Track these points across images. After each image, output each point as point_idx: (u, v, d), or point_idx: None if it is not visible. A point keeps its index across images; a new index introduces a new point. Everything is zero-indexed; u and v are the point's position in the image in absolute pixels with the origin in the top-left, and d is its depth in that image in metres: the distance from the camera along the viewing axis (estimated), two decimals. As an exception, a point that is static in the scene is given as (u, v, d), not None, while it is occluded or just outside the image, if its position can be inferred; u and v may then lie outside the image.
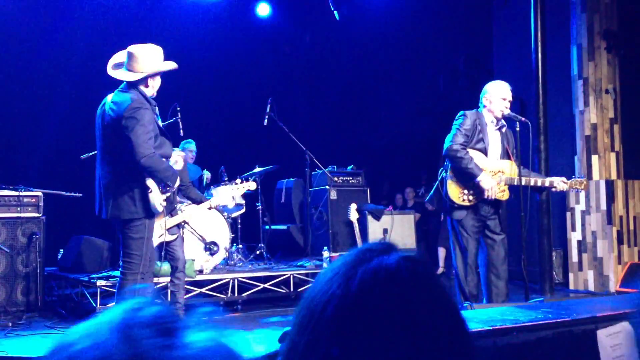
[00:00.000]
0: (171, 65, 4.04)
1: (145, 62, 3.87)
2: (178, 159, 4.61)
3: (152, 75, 3.93)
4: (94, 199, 4.27)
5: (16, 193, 5.90)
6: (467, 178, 4.66)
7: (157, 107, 4.08)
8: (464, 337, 0.71)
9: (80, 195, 6.13)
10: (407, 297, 0.69)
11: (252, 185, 6.08)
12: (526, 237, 4.81)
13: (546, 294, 6.28)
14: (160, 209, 3.98)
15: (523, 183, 4.69)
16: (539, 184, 4.82)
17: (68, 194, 6.16)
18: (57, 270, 6.89)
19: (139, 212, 3.90)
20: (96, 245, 6.73)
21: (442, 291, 0.73)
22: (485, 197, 4.63)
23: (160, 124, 4.11)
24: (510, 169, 4.78)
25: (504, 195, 4.76)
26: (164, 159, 3.91)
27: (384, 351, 0.66)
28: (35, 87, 8.03)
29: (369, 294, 0.69)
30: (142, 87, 3.93)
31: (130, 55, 3.91)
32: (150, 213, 3.94)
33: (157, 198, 3.92)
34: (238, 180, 6.31)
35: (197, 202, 5.65)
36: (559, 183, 4.79)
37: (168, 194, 4.04)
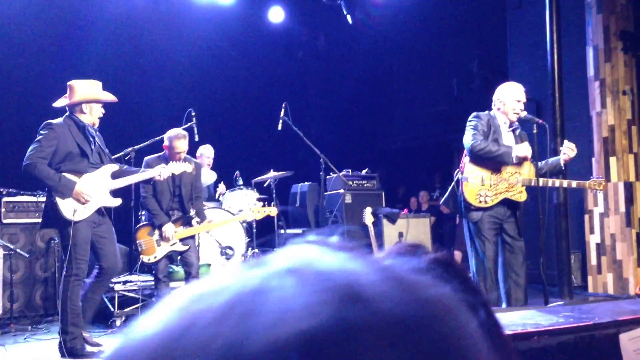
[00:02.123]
0: (106, 96, 4.57)
1: (78, 91, 4.49)
2: (187, 167, 5.04)
3: (86, 103, 4.48)
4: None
5: (34, 199, 5.96)
6: (503, 163, 4.64)
7: (91, 129, 4.53)
8: (502, 342, 0.69)
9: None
10: None
11: (273, 212, 6.06)
12: (544, 240, 4.77)
13: (565, 297, 6.22)
14: (70, 215, 4.32)
15: (541, 184, 4.66)
16: (557, 185, 4.80)
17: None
18: (75, 275, 6.93)
19: (54, 220, 4.35)
20: (113, 250, 6.76)
21: (476, 297, 0.71)
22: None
23: (91, 147, 4.53)
24: (527, 170, 4.75)
25: (522, 197, 4.73)
26: (54, 172, 4.33)
27: None
28: (53, 93, 8.10)
29: None
30: (77, 114, 4.49)
31: (68, 87, 4.56)
32: (64, 221, 4.30)
33: (63, 206, 4.30)
34: (259, 203, 6.37)
35: (191, 218, 5.55)
36: (577, 184, 4.78)
37: (81, 202, 4.37)
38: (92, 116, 4.51)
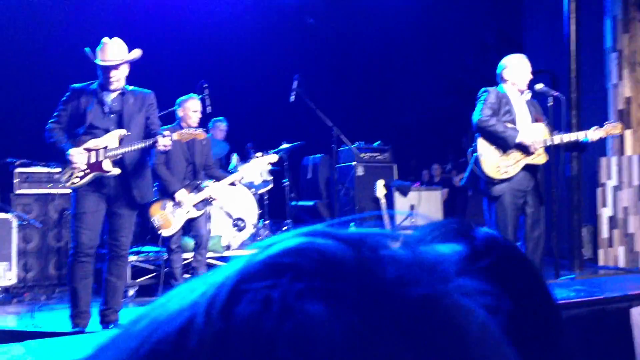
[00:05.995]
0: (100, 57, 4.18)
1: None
2: (199, 133, 4.77)
3: (100, 67, 4.18)
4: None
5: (47, 170, 5.99)
6: (505, 146, 4.59)
7: (101, 93, 4.23)
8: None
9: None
10: None
11: (273, 158, 6.12)
12: (556, 213, 4.75)
13: (575, 270, 6.20)
14: (66, 181, 4.17)
15: (556, 142, 4.67)
16: (573, 138, 4.79)
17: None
18: (88, 246, 7.00)
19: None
20: (126, 221, 6.81)
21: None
22: (532, 151, 4.58)
23: (103, 112, 4.25)
24: (543, 131, 4.73)
25: (542, 159, 4.71)
26: (60, 137, 4.20)
27: None
28: (65, 65, 8.09)
29: None
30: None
31: None
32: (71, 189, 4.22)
33: (64, 171, 4.21)
34: (259, 154, 6.32)
35: (221, 180, 5.70)
36: (592, 133, 4.74)
37: (73, 171, 4.17)
38: (106, 79, 4.17)
